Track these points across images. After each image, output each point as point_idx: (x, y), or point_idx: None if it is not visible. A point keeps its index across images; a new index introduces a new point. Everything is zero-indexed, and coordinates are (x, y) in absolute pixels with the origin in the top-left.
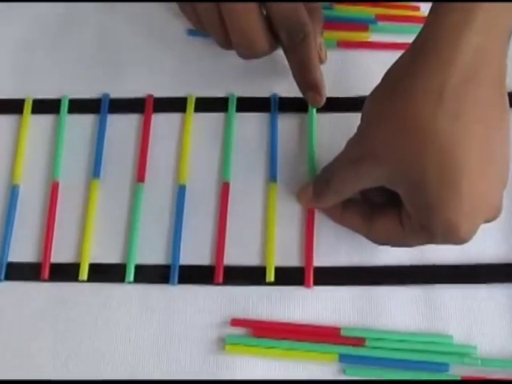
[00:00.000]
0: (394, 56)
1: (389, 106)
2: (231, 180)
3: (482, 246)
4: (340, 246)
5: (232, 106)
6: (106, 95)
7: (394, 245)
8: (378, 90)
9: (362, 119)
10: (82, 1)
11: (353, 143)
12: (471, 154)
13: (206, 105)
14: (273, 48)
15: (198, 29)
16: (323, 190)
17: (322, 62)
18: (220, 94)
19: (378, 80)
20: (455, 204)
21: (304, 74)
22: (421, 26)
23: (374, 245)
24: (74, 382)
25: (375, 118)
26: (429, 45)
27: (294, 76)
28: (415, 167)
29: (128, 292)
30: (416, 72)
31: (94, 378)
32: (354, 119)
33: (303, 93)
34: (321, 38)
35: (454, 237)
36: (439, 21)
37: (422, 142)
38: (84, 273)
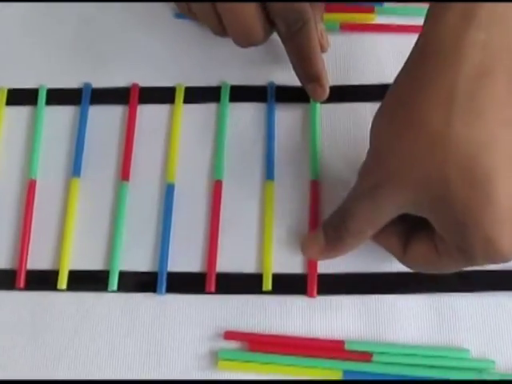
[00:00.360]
0: (401, 39)
1: (399, 124)
2: (224, 178)
3: None
4: None
5: (225, 95)
6: (87, 85)
7: (431, 271)
8: (383, 108)
9: (371, 143)
10: (80, 1)
11: (365, 172)
12: (497, 157)
13: (196, 95)
14: (269, 36)
15: (190, 17)
16: (341, 234)
17: (323, 50)
18: (212, 83)
19: (384, 65)
20: (490, 217)
21: (304, 64)
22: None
23: (382, 249)
24: (70, 381)
25: (386, 140)
26: (429, 48)
27: (294, 67)
28: (438, 183)
29: (111, 302)
30: (421, 80)
31: None
32: (360, 110)
33: (304, 85)
34: (321, 24)
35: (498, 254)
36: (438, 21)
37: (439, 154)
38: (63, 281)
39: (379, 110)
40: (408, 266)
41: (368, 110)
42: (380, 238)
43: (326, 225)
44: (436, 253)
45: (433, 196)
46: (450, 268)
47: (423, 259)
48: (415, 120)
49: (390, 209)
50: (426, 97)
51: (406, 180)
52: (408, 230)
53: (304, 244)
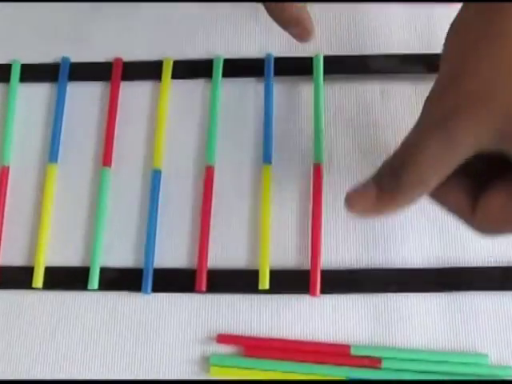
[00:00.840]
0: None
1: (482, 37)
2: (216, 163)
3: None
4: (350, 243)
5: (217, 70)
6: (65, 59)
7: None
8: (460, 21)
9: (444, 62)
10: (75, 1)
11: (434, 99)
12: None
13: (185, 70)
14: None
15: None
16: (399, 182)
17: None
18: (203, 56)
19: (394, 36)
20: None
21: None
22: None
23: (393, 242)
24: (68, 381)
25: (465, 57)
26: None
27: (268, 12)
28: None
29: (92, 302)
30: None
31: None
32: (367, 84)
33: (284, 30)
34: None
35: None
36: None
37: None
38: (39, 279)
39: (454, 22)
40: (479, 228)
41: (376, 84)
42: (443, 192)
43: (382, 169)
44: None
45: None
46: None
47: (502, 213)
48: (503, 31)
49: (466, 143)
50: None
51: (492, 103)
52: (475, 185)
53: (351, 197)
